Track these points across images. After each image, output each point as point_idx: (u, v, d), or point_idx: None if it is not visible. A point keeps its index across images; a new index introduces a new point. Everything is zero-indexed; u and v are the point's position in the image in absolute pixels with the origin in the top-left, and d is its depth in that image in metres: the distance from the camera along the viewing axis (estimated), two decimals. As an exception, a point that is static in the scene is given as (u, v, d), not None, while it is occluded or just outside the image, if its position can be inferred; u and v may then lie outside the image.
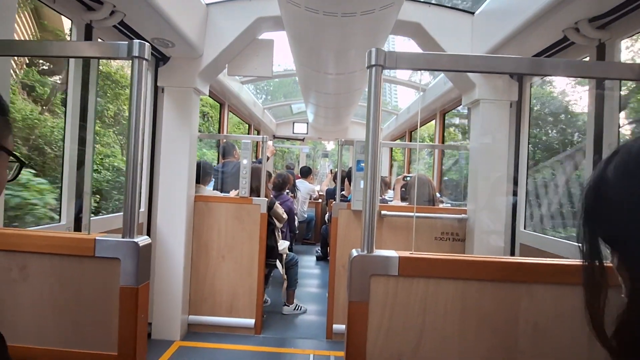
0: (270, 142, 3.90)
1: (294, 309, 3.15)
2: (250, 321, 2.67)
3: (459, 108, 3.69)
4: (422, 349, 0.88)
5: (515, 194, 2.35)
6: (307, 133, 7.09)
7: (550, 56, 2.03)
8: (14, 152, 0.60)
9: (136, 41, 0.92)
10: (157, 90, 2.69)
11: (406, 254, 0.89)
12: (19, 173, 0.64)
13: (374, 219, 0.89)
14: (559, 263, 0.88)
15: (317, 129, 6.98)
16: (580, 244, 0.48)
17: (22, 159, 0.63)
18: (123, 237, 0.93)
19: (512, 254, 2.34)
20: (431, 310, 0.87)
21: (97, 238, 0.93)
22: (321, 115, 5.73)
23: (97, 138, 3.75)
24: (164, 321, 2.56)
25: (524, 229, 2.35)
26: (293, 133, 7.12)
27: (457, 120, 5.59)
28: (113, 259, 0.93)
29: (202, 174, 3.05)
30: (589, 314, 0.45)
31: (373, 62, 0.88)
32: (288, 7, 2.00)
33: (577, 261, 0.90)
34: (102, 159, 3.68)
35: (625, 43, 1.72)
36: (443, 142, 3.79)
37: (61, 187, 1.83)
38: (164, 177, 2.60)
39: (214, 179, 3.31)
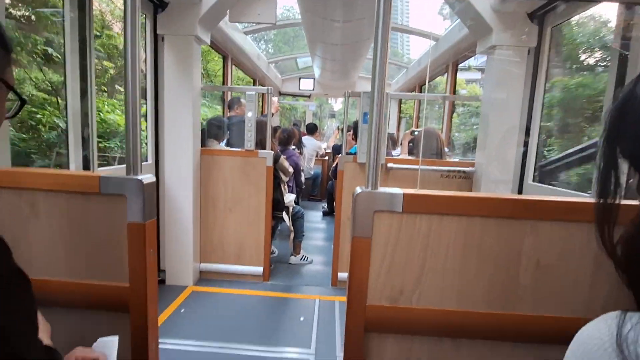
0: (275, 98, 3.80)
1: (301, 259, 3.26)
2: (259, 269, 2.78)
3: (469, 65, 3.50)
4: (423, 284, 0.90)
5: (526, 145, 2.29)
6: (313, 89, 6.89)
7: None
8: (15, 88, 0.57)
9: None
10: (157, 40, 2.59)
11: (411, 191, 0.88)
12: (19, 110, 0.62)
13: (378, 157, 0.87)
14: (566, 200, 0.86)
15: (324, 85, 6.77)
16: (598, 163, 0.46)
17: (22, 96, 0.60)
18: (127, 175, 0.93)
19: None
20: (434, 246, 0.88)
21: (101, 175, 0.94)
22: (328, 69, 5.52)
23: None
24: (177, 268, 2.68)
25: (532, 181, 2.32)
26: (299, 89, 6.92)
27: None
28: (119, 195, 0.94)
29: (214, 130, 3.03)
30: (599, 228, 0.44)
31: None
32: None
33: (586, 198, 0.88)
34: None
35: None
36: (454, 94, 3.64)
37: (67, 136, 1.83)
38: (168, 129, 2.58)
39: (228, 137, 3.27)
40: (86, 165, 1.89)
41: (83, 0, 1.82)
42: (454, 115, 4.21)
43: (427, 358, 0.94)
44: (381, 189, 0.88)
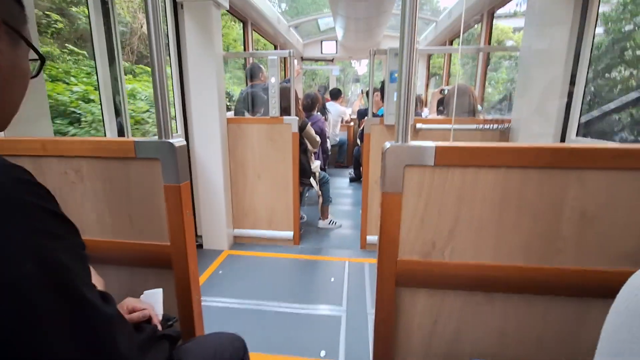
0: (295, 62, 3.69)
1: (329, 223, 3.32)
2: (289, 233, 2.87)
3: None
4: (456, 237, 0.88)
5: (570, 96, 2.11)
6: (336, 53, 6.64)
7: None
8: (34, 45, 0.57)
9: None
10: (176, 8, 2.56)
11: (444, 143, 0.84)
12: (40, 70, 0.61)
13: (409, 107, 0.83)
14: (617, 147, 0.79)
15: (347, 47, 6.49)
16: None
17: (42, 54, 0.59)
18: (159, 139, 0.96)
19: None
20: (468, 199, 0.85)
21: (135, 140, 0.97)
22: (351, 29, 5.26)
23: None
24: (213, 234, 2.82)
25: (576, 136, 2.15)
26: (322, 53, 6.70)
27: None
28: (153, 159, 0.97)
29: (244, 103, 3.05)
30: None
31: None
32: None
33: (634, 145, 0.80)
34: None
35: None
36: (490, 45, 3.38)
37: (101, 109, 1.91)
38: (195, 99, 2.61)
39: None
40: (121, 133, 1.98)
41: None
42: (502, 71, 3.90)
43: (459, 312, 0.94)
44: (412, 143, 0.85)
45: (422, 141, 0.86)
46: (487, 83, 3.55)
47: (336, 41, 6.34)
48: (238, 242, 2.95)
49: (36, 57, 0.58)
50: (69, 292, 0.42)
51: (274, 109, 2.72)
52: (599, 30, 2.16)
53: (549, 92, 2.16)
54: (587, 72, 2.11)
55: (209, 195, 2.75)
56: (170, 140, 0.95)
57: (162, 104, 0.94)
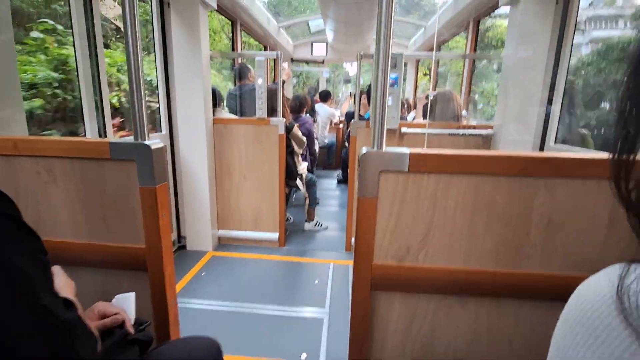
0: (285, 64, 3.69)
1: (315, 225, 3.32)
2: (275, 235, 2.86)
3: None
4: (429, 242, 0.90)
5: (550, 102, 2.16)
6: (326, 54, 6.65)
7: None
8: None
9: None
10: (163, 6, 2.53)
11: (418, 150, 0.85)
12: None
13: (384, 114, 0.84)
14: (581, 156, 0.81)
15: (337, 50, 6.51)
16: (619, 101, 0.41)
17: None
18: (135, 140, 0.95)
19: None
20: (441, 205, 0.87)
21: (110, 141, 0.96)
22: (341, 31, 5.28)
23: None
24: (197, 235, 2.79)
25: (555, 143, 2.21)
26: (312, 55, 6.71)
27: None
28: (129, 160, 0.96)
29: (218, 98, 3.02)
30: (614, 179, 0.41)
31: None
32: None
33: (601, 154, 0.83)
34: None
35: None
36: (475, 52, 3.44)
37: (81, 105, 1.87)
38: (180, 99, 2.58)
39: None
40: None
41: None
42: (497, 75, 3.95)
43: (433, 315, 0.96)
44: (387, 149, 0.86)
45: (397, 147, 0.87)
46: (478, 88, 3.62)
47: (326, 43, 6.36)
48: (223, 243, 2.93)
49: None
50: (25, 298, 0.42)
51: (261, 110, 2.71)
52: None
53: (529, 100, 2.21)
54: (566, 81, 2.17)
55: (194, 195, 2.72)
56: (147, 142, 0.94)
57: (139, 105, 0.93)
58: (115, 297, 0.88)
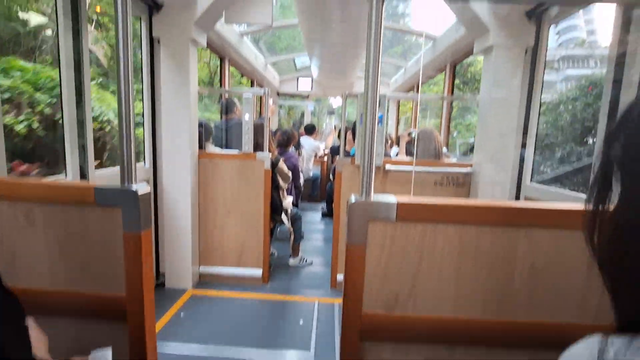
0: (270, 102, 3.76)
1: (299, 261, 3.27)
2: (258, 271, 2.79)
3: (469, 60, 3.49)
4: (418, 291, 0.90)
5: (524, 145, 2.29)
6: (311, 89, 6.88)
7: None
8: None
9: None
10: (152, 43, 2.59)
11: (405, 199, 0.88)
12: None
13: (371, 165, 0.87)
14: (558, 208, 0.86)
15: (322, 85, 6.76)
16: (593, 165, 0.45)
17: None
18: (122, 186, 0.93)
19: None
20: (428, 253, 0.88)
21: (96, 187, 0.94)
22: (326, 69, 5.52)
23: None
24: (177, 271, 2.69)
25: (530, 182, 2.32)
26: (297, 90, 6.91)
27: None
28: (114, 206, 0.94)
29: (207, 132, 3.05)
30: (587, 233, 0.44)
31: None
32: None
33: (577, 205, 0.88)
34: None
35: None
36: (452, 94, 3.64)
37: (63, 141, 1.83)
38: (166, 133, 2.58)
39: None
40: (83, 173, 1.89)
41: (76, 4, 1.81)
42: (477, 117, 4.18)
43: (423, 365, 0.94)
44: (375, 197, 0.88)
45: (385, 195, 0.89)
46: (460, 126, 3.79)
47: (312, 78, 6.59)
48: (203, 281, 2.83)
49: None
50: None
51: (247, 145, 2.74)
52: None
53: (505, 140, 2.34)
54: (538, 124, 2.32)
55: (176, 230, 2.65)
56: (134, 188, 0.93)
57: (127, 150, 0.93)
58: (92, 354, 0.83)
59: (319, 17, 3.25)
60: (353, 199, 0.88)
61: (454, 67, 3.65)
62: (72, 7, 1.79)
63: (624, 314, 0.40)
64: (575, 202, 1.79)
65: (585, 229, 0.46)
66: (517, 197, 2.34)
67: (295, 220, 3.23)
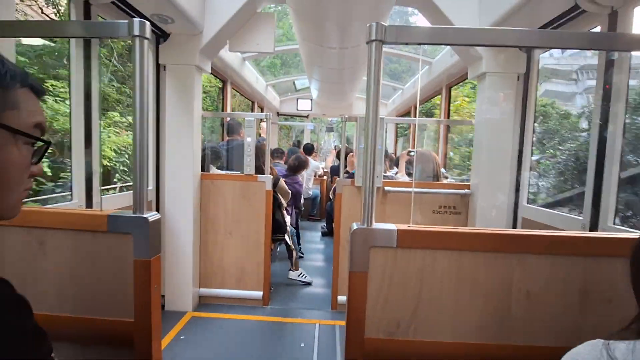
0: (263, 124, 3.80)
1: (299, 275, 3.27)
2: (259, 293, 2.78)
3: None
4: (418, 317, 0.93)
5: (519, 168, 2.35)
6: (311, 110, 7.02)
7: (560, 26, 1.97)
8: (21, 130, 0.51)
9: (136, 20, 0.93)
10: (159, 69, 2.68)
11: (404, 227, 0.92)
12: (42, 156, 0.56)
13: (373, 195, 0.92)
14: (550, 234, 0.90)
15: (321, 105, 6.90)
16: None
17: (42, 138, 0.54)
18: (134, 213, 0.97)
19: (514, 227, 2.38)
20: (428, 279, 0.92)
21: (109, 215, 0.98)
22: (325, 91, 5.66)
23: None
24: (177, 294, 2.68)
25: (527, 203, 2.36)
26: (297, 110, 7.06)
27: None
28: (125, 233, 0.98)
29: (214, 156, 3.12)
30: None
31: (373, 37, 0.87)
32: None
33: (569, 233, 0.92)
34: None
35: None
36: (449, 117, 3.74)
37: (71, 167, 1.88)
38: (170, 156, 2.64)
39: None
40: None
41: (88, 44, 1.90)
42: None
43: (425, 390, 0.96)
44: (376, 225, 0.92)
45: (386, 224, 0.93)
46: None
47: (311, 100, 6.74)
48: (204, 303, 2.81)
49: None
50: None
51: (249, 166, 2.79)
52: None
53: (501, 162, 2.40)
54: (532, 147, 2.39)
55: (176, 252, 2.66)
56: (145, 215, 0.97)
57: (141, 179, 0.98)
58: None
59: (319, 43, 3.38)
60: (355, 226, 0.93)
61: (450, 89, 3.77)
62: (84, 44, 1.89)
63: None
64: (569, 223, 1.84)
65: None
66: (515, 218, 2.39)
67: (291, 236, 3.27)
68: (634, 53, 1.62)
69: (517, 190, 2.37)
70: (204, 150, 2.89)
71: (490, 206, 2.41)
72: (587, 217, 1.71)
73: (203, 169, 2.90)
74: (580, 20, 1.86)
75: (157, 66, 2.67)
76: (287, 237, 3.12)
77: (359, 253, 0.92)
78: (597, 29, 1.81)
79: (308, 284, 3.29)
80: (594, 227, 1.67)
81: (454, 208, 2.61)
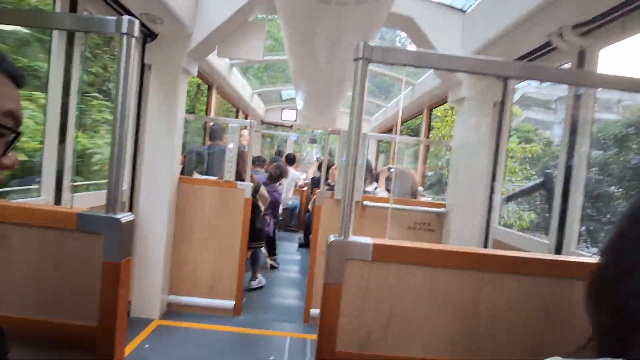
0: (245, 132, 3.83)
1: (257, 282, 3.29)
2: (230, 302, 2.72)
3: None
4: (390, 330, 0.94)
5: (492, 190, 2.45)
6: (295, 120, 7.06)
7: (534, 59, 2.10)
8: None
9: (125, 17, 0.92)
10: (143, 68, 2.64)
11: (380, 241, 0.94)
12: (10, 145, 0.52)
13: (351, 207, 0.94)
14: (517, 255, 0.95)
15: (306, 117, 6.96)
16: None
17: (8, 126, 0.50)
18: (106, 213, 0.94)
19: (485, 248, 2.46)
20: (401, 293, 0.93)
21: (79, 213, 0.94)
22: (311, 103, 5.72)
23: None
24: (144, 299, 2.58)
25: (498, 225, 2.46)
26: (281, 119, 7.08)
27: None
28: (96, 233, 0.94)
29: (197, 161, 3.08)
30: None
31: (360, 55, 0.91)
32: (282, -9, 1.99)
33: (536, 255, 0.97)
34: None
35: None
36: (428, 137, 3.87)
37: (41, 161, 1.80)
38: (148, 156, 2.57)
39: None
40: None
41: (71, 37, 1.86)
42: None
43: (393, 405, 0.96)
44: (353, 238, 0.94)
45: (362, 237, 0.95)
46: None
47: (296, 110, 6.79)
48: (172, 310, 2.71)
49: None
50: None
51: (230, 173, 2.76)
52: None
53: (476, 184, 2.49)
54: (504, 171, 2.50)
55: (147, 255, 2.57)
56: (118, 216, 0.94)
57: (116, 178, 0.95)
58: None
59: (307, 57, 3.43)
60: (332, 238, 0.94)
61: (431, 111, 3.90)
62: (67, 38, 1.85)
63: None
64: (537, 246, 1.92)
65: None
66: (486, 239, 2.47)
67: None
68: (598, 90, 1.76)
69: (489, 212, 2.46)
70: (189, 153, 2.84)
71: (464, 226, 2.49)
72: (553, 241, 1.80)
73: (185, 173, 2.85)
74: (554, 55, 1.99)
75: (142, 65, 2.63)
76: (263, 249, 3.10)
77: (334, 265, 0.92)
78: (568, 65, 1.95)
79: (262, 286, 3.29)
80: (558, 250, 1.75)
81: (428, 225, 2.68)
